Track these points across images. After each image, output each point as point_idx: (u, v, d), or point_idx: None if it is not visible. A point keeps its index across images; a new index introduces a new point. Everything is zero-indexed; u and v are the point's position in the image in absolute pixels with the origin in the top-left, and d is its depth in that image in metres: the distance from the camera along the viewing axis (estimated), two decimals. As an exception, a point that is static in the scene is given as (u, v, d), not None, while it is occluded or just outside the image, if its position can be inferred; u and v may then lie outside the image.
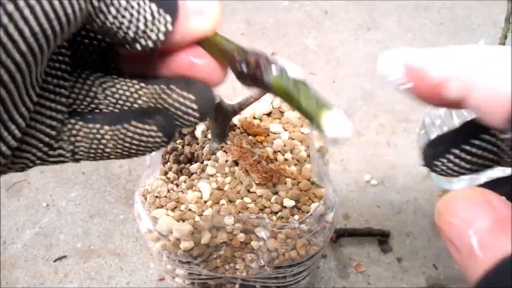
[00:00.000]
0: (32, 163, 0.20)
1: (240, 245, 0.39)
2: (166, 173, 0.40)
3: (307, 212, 0.37)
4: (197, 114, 0.21)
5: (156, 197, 0.39)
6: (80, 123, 0.21)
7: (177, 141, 0.43)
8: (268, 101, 0.45)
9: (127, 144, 0.21)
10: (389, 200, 0.58)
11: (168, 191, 0.39)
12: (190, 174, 0.40)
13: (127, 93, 0.21)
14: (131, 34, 0.19)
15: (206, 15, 0.20)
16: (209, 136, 0.41)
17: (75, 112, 0.21)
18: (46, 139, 0.20)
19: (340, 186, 0.59)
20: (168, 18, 0.19)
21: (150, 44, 0.19)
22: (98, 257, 0.52)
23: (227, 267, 0.41)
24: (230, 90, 0.46)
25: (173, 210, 0.38)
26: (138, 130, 0.20)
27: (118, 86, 0.21)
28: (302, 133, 0.43)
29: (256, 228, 0.37)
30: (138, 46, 0.19)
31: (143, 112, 0.21)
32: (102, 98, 0.21)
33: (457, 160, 0.19)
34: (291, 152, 0.41)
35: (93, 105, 0.21)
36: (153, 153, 0.42)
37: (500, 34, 0.49)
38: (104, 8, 0.18)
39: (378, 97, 0.69)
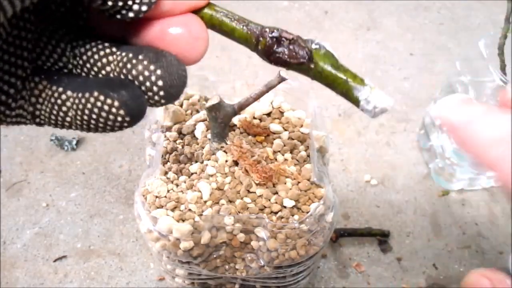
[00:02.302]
0: None
1: (240, 245, 0.39)
2: (166, 173, 0.40)
3: (307, 212, 0.37)
4: (162, 93, 0.18)
5: (156, 197, 0.39)
6: (44, 82, 0.18)
7: (177, 141, 0.43)
8: (268, 101, 0.45)
9: (86, 117, 0.18)
10: (389, 200, 0.58)
11: (168, 191, 0.39)
12: (190, 174, 0.40)
13: (95, 56, 0.18)
14: (109, 2, 0.17)
15: None
16: (209, 136, 0.41)
17: (40, 69, 0.19)
18: (3, 96, 0.18)
19: (340, 186, 0.59)
20: None
21: (131, 14, 0.17)
22: (98, 257, 0.52)
23: (227, 267, 0.41)
24: (230, 90, 0.46)
25: (173, 210, 0.38)
26: (99, 103, 0.17)
27: (87, 46, 0.19)
28: (302, 133, 0.43)
29: (256, 228, 0.37)
30: (118, 16, 0.17)
31: (109, 82, 0.18)
32: (70, 57, 0.19)
33: None
34: (291, 152, 0.41)
35: (60, 64, 0.19)
36: (153, 153, 0.42)
37: (500, 34, 0.49)
38: None
39: (378, 97, 0.69)
